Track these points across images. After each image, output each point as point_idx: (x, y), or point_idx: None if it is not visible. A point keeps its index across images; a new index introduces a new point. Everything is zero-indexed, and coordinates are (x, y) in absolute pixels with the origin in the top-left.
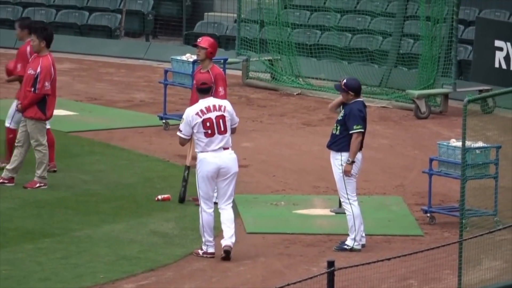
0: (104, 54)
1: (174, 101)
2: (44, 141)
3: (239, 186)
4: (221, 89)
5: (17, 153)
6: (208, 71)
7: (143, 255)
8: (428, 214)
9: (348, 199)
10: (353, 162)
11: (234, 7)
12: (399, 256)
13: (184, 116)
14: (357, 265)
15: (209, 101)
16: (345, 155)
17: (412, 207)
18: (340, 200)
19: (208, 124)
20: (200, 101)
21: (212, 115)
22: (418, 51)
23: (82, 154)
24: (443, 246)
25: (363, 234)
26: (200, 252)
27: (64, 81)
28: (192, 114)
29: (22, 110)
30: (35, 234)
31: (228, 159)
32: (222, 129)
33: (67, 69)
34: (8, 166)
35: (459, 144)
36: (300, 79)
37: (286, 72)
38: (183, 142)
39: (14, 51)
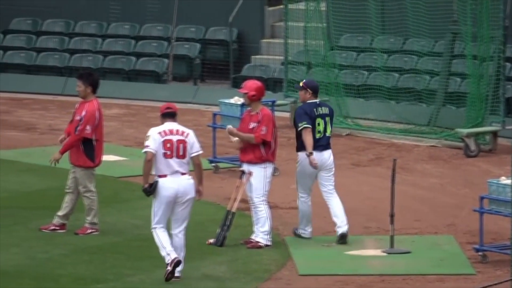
0: (152, 98)
1: (223, 144)
2: (93, 187)
3: (291, 228)
4: (263, 128)
5: (68, 199)
6: (257, 113)
7: None
8: (480, 253)
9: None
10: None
11: (280, 50)
12: None
13: (148, 134)
14: None
15: (173, 125)
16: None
17: (464, 245)
18: (391, 240)
19: (168, 145)
20: (165, 123)
21: (174, 137)
22: (466, 90)
23: (132, 199)
24: (496, 284)
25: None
26: (169, 268)
27: (113, 126)
28: (155, 132)
29: (62, 151)
30: (87, 280)
31: (186, 184)
32: (181, 153)
33: (116, 114)
34: (59, 213)
35: (509, 181)
36: (349, 120)
37: (335, 113)
38: (151, 158)
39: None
